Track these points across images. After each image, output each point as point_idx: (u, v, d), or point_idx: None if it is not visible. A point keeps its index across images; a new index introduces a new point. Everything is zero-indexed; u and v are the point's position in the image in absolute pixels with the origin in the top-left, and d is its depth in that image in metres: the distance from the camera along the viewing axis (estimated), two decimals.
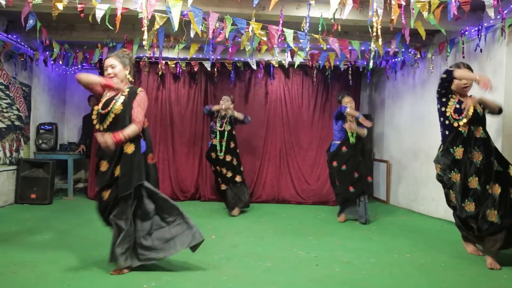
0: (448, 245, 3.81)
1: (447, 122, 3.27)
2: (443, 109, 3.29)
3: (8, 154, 5.41)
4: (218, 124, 5.21)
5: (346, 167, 4.75)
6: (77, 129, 7.15)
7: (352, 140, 4.78)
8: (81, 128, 6.84)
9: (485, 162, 3.15)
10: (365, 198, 4.76)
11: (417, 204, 5.63)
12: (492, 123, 4.27)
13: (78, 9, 3.73)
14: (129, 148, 2.83)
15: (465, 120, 3.19)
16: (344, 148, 4.79)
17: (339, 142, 4.85)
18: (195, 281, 2.73)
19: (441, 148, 3.35)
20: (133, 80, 3.10)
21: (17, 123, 5.60)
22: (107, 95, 2.95)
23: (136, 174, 2.82)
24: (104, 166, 2.86)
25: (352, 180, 4.71)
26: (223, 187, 5.27)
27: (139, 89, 2.95)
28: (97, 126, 2.94)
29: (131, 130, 2.79)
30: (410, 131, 5.85)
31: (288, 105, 6.58)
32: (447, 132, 3.28)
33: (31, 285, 2.59)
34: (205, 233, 4.09)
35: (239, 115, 5.23)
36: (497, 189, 3.12)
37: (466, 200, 3.17)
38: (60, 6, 3.60)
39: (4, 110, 5.30)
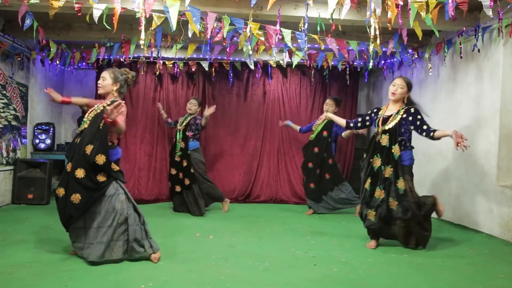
0: (446, 244, 3.81)
1: None
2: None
3: (5, 154, 5.39)
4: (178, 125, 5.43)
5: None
6: (74, 129, 7.13)
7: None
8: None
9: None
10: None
11: None
12: (489, 123, 4.29)
13: (75, 9, 3.72)
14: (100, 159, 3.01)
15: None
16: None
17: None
18: (193, 281, 2.73)
19: None
20: (118, 97, 3.29)
21: (14, 123, 5.58)
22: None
23: None
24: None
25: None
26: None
27: (119, 102, 3.10)
28: (77, 130, 3.27)
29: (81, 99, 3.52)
30: None
31: (286, 105, 6.58)
32: None
33: (28, 285, 2.58)
34: (202, 233, 4.12)
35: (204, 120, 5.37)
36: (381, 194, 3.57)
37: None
38: (57, 5, 3.59)
39: (1, 110, 5.28)
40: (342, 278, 2.86)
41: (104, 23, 3.72)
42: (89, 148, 3.00)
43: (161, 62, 5.93)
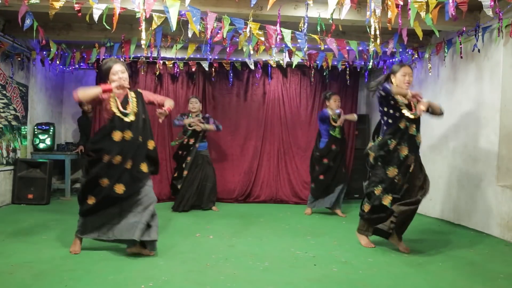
0: (446, 244, 3.81)
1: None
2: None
3: (5, 154, 5.39)
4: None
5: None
6: (74, 129, 7.14)
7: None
8: (78, 130, 6.82)
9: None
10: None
11: None
12: (489, 123, 4.29)
13: (75, 9, 3.72)
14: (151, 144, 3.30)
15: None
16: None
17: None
18: (193, 281, 2.73)
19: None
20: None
21: (14, 123, 5.58)
22: (115, 98, 3.21)
23: None
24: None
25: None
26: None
27: (138, 90, 3.44)
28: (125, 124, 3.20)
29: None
30: None
31: (286, 105, 6.58)
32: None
33: (28, 285, 2.58)
34: (202, 233, 4.12)
35: (210, 127, 5.52)
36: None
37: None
38: (57, 5, 3.59)
39: (1, 110, 5.28)
40: (342, 278, 2.86)
41: (104, 23, 3.72)
42: (151, 144, 3.30)
43: (161, 62, 5.93)
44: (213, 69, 6.25)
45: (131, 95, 3.31)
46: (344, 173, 5.41)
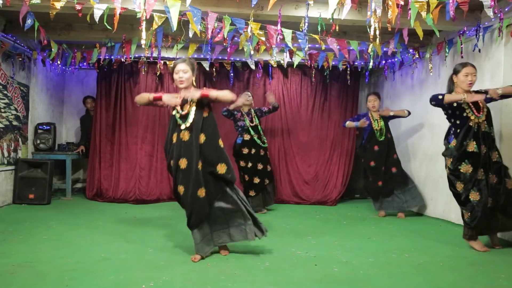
0: (447, 245, 3.81)
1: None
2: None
3: (6, 154, 5.40)
4: (247, 121, 5.40)
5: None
6: (75, 129, 7.14)
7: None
8: (80, 129, 6.83)
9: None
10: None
11: None
12: None
13: (76, 9, 3.73)
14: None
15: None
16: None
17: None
18: (194, 281, 2.73)
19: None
20: (195, 86, 3.31)
21: (15, 123, 5.59)
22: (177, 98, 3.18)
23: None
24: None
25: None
26: (257, 180, 5.39)
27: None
28: (182, 127, 3.18)
29: (218, 92, 3.15)
30: (408, 131, 5.85)
31: (286, 105, 6.58)
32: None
33: (29, 285, 2.59)
34: None
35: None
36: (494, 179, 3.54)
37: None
38: (58, 5, 3.59)
39: (2, 110, 5.29)
40: (343, 278, 2.86)
41: (105, 23, 3.72)
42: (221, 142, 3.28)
43: (162, 62, 5.93)
44: (214, 69, 6.26)
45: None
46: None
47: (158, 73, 6.21)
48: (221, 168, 3.18)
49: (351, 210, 5.64)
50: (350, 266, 3.14)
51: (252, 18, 4.05)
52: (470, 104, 3.57)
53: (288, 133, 6.53)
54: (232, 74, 6.33)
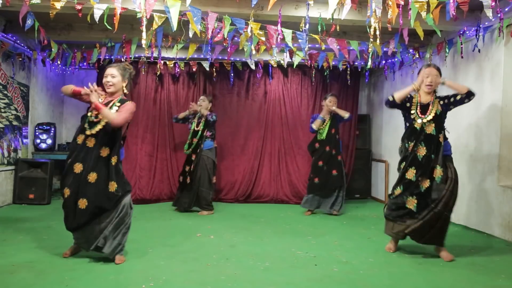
0: (446, 245, 3.80)
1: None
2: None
3: (6, 154, 5.40)
4: (193, 125, 5.40)
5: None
6: (76, 129, 7.13)
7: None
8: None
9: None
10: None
11: None
12: (490, 123, 4.29)
13: (76, 9, 3.73)
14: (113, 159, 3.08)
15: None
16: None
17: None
18: (194, 281, 2.73)
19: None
20: (127, 93, 3.25)
21: (15, 123, 5.59)
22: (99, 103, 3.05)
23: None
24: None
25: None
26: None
27: (130, 101, 3.15)
28: (87, 132, 3.14)
29: (109, 112, 2.97)
30: None
31: (287, 105, 6.58)
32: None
33: (29, 285, 2.59)
34: (203, 233, 4.12)
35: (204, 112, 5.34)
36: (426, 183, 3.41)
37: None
38: (58, 5, 3.59)
39: (2, 110, 5.29)
40: (343, 278, 2.86)
41: (105, 23, 3.72)
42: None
43: (162, 62, 5.93)
44: (214, 69, 6.25)
45: (114, 106, 3.10)
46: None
47: (158, 73, 6.21)
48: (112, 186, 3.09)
49: (351, 210, 5.64)
50: (350, 266, 3.14)
51: (252, 18, 4.05)
52: (419, 106, 3.50)
53: (288, 133, 6.53)
54: (232, 74, 6.33)
